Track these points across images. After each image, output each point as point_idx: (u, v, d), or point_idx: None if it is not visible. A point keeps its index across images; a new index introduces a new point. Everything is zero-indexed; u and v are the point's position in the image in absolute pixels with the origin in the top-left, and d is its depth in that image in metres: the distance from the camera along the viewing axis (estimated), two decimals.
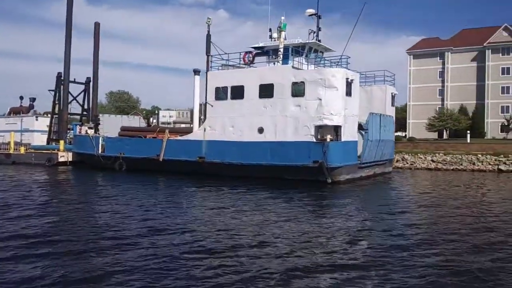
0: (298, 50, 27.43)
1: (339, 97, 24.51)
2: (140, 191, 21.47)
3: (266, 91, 26.29)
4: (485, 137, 61.60)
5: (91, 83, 42.28)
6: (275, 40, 29.41)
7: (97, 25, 42.42)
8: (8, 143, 40.04)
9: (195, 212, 15.83)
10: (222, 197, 19.51)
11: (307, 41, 28.06)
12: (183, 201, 18.66)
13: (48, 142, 40.21)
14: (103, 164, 32.39)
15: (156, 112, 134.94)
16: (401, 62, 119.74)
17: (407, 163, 36.86)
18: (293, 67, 25.82)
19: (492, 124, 65.76)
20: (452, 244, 10.87)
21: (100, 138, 33.40)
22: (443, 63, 72.49)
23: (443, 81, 72.92)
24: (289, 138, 25.39)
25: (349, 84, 25.28)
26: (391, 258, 9.55)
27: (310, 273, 8.47)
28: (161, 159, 29.52)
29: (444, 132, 64.00)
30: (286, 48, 27.99)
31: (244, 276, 8.21)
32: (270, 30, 30.24)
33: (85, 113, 42.49)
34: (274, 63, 27.53)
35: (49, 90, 40.21)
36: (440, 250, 10.36)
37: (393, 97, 31.71)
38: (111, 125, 38.50)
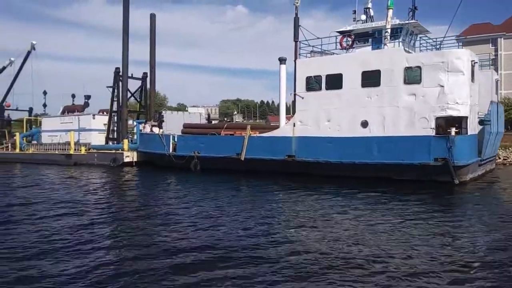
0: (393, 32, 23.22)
1: (465, 83, 20.18)
2: (223, 194, 18.31)
3: (371, 79, 22.14)
4: None
5: (147, 79, 38.91)
6: (362, 23, 25.31)
7: (152, 16, 38.92)
8: (67, 143, 37.09)
9: (299, 220, 12.67)
10: (325, 201, 16.00)
11: (407, 22, 23.75)
12: (276, 205, 15.41)
13: (106, 142, 37.04)
14: (175, 164, 28.91)
15: (186, 109, 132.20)
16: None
17: (499, 158, 32.19)
18: (405, 49, 21.64)
19: None
20: None
21: (171, 136, 29.89)
22: (496, 50, 66.86)
23: (496, 69, 67.28)
24: (401, 132, 21.24)
25: (472, 68, 20.96)
26: None
27: None
28: (242, 158, 25.79)
29: None
30: (379, 31, 23.86)
31: None
32: (355, 12, 26.15)
33: (142, 110, 39.21)
34: (378, 47, 23.32)
35: (107, 87, 36.99)
36: None
37: (496, 83, 27.13)
38: (172, 122, 34.99)
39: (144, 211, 14.55)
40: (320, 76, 23.77)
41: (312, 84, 24.11)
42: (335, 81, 23.18)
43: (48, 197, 17.50)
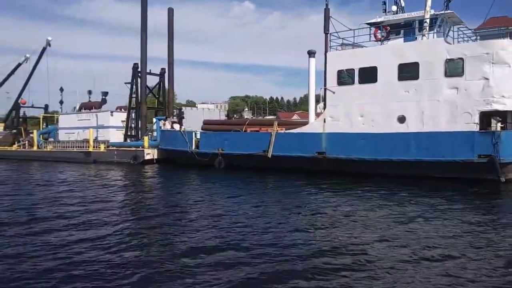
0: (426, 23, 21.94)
1: (511, 75, 18.96)
2: (251, 192, 17.38)
3: (409, 71, 20.95)
4: None
5: (165, 75, 37.92)
6: (393, 14, 24.06)
7: (170, 11, 37.84)
8: (85, 141, 36.30)
9: (336, 221, 11.53)
10: (364, 201, 14.89)
11: (442, 12, 22.48)
12: (309, 205, 14.25)
13: (125, 139, 36.17)
14: (198, 161, 27.93)
15: (196, 106, 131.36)
16: None
17: None
18: (445, 40, 20.41)
19: None
20: None
21: (194, 133, 28.91)
22: None
23: None
24: (442, 127, 20.05)
25: None
26: None
27: None
28: (269, 155, 24.74)
29: None
30: (412, 22, 22.64)
31: None
32: (385, 3, 24.90)
33: (160, 106, 38.25)
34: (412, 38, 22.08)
35: (126, 83, 36.08)
36: None
37: None
38: (191, 118, 34.05)
39: (170, 209, 13.73)
40: (352, 70, 22.60)
41: (344, 78, 22.96)
42: (369, 75, 22.02)
43: (73, 196, 16.67)
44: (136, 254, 8.56)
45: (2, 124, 50.62)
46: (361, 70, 22.29)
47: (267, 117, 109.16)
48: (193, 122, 33.79)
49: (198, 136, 28.73)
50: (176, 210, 13.57)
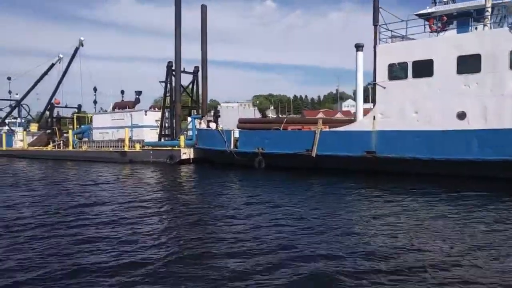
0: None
1: None
2: (296, 193, 16.39)
3: (469, 64, 19.32)
4: None
5: (199, 73, 37.10)
6: (444, 4, 22.44)
7: (204, 8, 36.97)
8: (120, 140, 35.87)
9: (394, 229, 10.07)
10: (423, 204, 13.43)
11: (500, 2, 20.75)
12: (362, 208, 12.92)
13: (159, 138, 35.53)
14: (236, 161, 26.93)
15: (220, 105, 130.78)
16: None
17: None
18: (510, 30, 18.70)
19: None
20: None
21: (232, 132, 27.92)
22: None
23: None
24: (508, 124, 18.40)
25: None
26: None
27: None
28: (313, 155, 23.50)
29: None
30: (464, 12, 21.00)
31: None
32: None
33: (194, 105, 37.47)
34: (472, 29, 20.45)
35: (160, 82, 35.39)
36: None
37: None
38: (226, 116, 33.09)
39: (214, 210, 13.18)
40: (405, 63, 21.11)
41: (396, 72, 21.49)
42: (424, 68, 20.48)
43: (115, 196, 16.18)
44: (182, 259, 8.10)
45: (36, 125, 51.02)
46: (415, 63, 20.77)
47: (292, 116, 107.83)
48: (228, 120, 32.83)
49: (237, 135, 27.71)
50: (219, 210, 13.00)
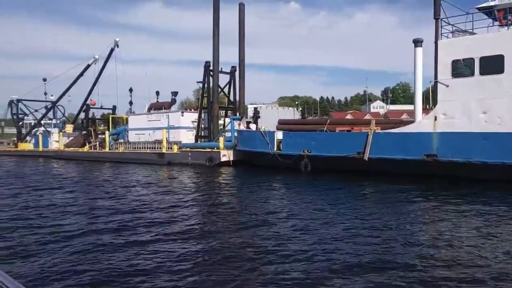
0: None
1: None
2: (349, 199, 15.11)
3: None
4: None
5: (236, 73, 36.05)
6: None
7: (241, 5, 35.94)
8: (156, 142, 35.14)
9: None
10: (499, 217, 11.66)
11: None
12: (428, 220, 11.06)
13: (196, 140, 34.65)
14: (280, 163, 25.62)
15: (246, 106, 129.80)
16: None
17: None
18: None
19: None
20: None
21: (275, 133, 26.65)
22: None
23: None
24: None
25: None
26: None
27: None
28: (365, 158, 21.94)
29: None
30: None
31: None
32: None
33: (231, 106, 36.40)
34: None
35: (197, 82, 34.56)
36: None
37: None
38: (265, 117, 31.92)
39: (264, 216, 12.24)
40: (472, 59, 19.32)
41: (461, 69, 19.72)
42: (494, 64, 18.66)
43: (160, 197, 15.75)
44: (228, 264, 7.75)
45: (71, 126, 51.15)
46: (483, 59, 18.97)
47: (315, 118, 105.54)
48: (267, 121, 31.61)
49: (280, 137, 26.40)
50: (270, 216, 12.14)
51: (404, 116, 72.29)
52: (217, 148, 30.15)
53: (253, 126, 29.59)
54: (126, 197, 15.95)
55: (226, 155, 29.58)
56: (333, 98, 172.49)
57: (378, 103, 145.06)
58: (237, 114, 34.49)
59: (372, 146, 21.93)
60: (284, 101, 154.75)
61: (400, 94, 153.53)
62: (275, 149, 26.36)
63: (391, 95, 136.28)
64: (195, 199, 15.70)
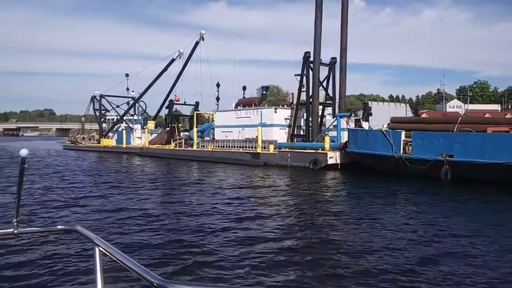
0: None
1: None
2: None
3: None
4: None
5: (336, 64, 31.79)
6: None
7: None
8: (248, 140, 31.91)
9: None
10: None
11: None
12: None
13: (291, 139, 30.94)
14: (408, 170, 21.01)
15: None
16: None
17: None
18: None
19: None
20: None
21: (401, 133, 22.12)
22: None
23: None
24: None
25: None
26: None
27: None
28: None
29: None
30: None
31: None
32: None
33: (330, 101, 32.21)
34: None
35: (295, 75, 30.78)
36: None
37: None
38: (376, 115, 27.41)
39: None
40: None
41: None
42: None
43: (265, 204, 12.64)
44: None
45: (153, 122, 49.84)
46: None
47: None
48: (378, 119, 27.09)
49: (410, 138, 21.82)
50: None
51: (487, 116, 64.16)
52: (322, 149, 26.15)
53: (365, 125, 25.25)
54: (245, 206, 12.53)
55: (334, 158, 25.49)
56: (403, 96, 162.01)
57: (455, 102, 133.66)
58: (337, 110, 30.34)
59: None
60: (349, 100, 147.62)
61: (477, 93, 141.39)
62: (401, 152, 21.84)
63: (470, 94, 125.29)
64: (310, 208, 12.29)
